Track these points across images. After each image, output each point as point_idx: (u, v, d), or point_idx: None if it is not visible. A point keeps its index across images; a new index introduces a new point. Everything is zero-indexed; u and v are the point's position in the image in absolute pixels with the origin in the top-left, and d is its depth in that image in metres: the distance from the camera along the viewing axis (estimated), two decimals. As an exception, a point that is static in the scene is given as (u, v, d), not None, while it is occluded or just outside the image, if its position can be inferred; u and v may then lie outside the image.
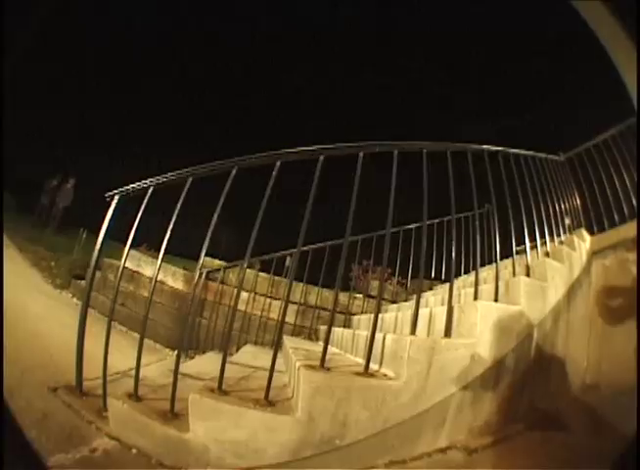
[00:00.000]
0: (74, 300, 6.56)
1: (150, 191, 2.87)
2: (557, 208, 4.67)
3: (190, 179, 2.77)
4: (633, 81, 1.52)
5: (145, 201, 2.86)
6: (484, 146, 3.63)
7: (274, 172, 2.60)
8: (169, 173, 2.85)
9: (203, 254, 2.63)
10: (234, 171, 2.68)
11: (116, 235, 3.10)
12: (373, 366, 2.35)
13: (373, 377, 2.22)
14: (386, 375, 2.28)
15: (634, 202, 4.25)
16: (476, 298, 2.92)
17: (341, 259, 2.57)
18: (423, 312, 2.96)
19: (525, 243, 3.62)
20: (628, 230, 3.91)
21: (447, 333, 2.59)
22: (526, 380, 2.83)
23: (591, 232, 4.64)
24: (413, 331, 2.55)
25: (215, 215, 2.63)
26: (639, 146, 3.29)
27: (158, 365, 3.92)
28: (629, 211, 4.29)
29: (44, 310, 5.23)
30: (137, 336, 2.67)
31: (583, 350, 3.59)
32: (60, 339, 3.62)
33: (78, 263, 7.83)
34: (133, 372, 2.54)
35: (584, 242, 4.34)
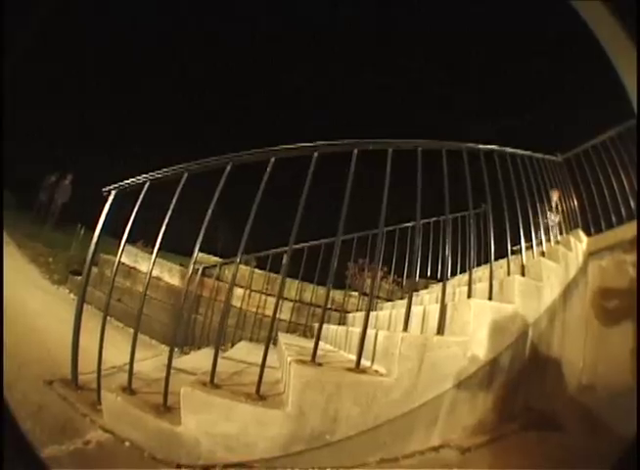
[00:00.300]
0: (71, 295, 6.58)
1: (146, 186, 2.90)
2: (553, 207, 4.68)
3: (185, 175, 2.79)
4: (633, 82, 1.52)
5: (141, 196, 2.88)
6: (480, 145, 3.64)
7: (268, 168, 2.62)
8: (165, 169, 2.87)
9: (196, 249, 2.64)
10: (228, 167, 2.70)
11: (114, 231, 3.13)
12: (365, 362, 2.37)
13: (364, 373, 2.23)
14: (377, 371, 2.30)
15: (632, 203, 4.26)
16: (469, 296, 2.92)
17: (333, 257, 2.59)
18: (417, 310, 2.99)
19: (520, 243, 3.63)
20: (626, 231, 3.92)
21: (440, 330, 2.59)
22: (521, 379, 2.85)
23: (588, 233, 4.65)
24: (405, 328, 2.56)
25: (209, 211, 2.65)
26: (639, 147, 3.29)
27: (153, 361, 3.94)
28: (627, 213, 4.30)
29: (42, 306, 5.25)
30: (133, 331, 2.68)
31: (579, 350, 3.60)
32: (57, 334, 3.63)
33: (76, 259, 7.87)
34: (128, 367, 2.56)
35: (581, 242, 4.36)
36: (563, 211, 5.12)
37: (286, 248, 2.57)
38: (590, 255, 4.21)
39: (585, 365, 3.55)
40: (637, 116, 1.55)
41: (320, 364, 2.26)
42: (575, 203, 5.07)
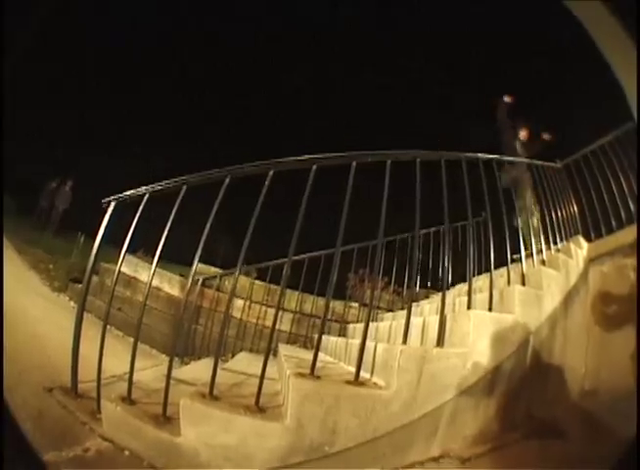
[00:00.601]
0: (72, 303, 6.56)
1: (145, 198, 2.91)
2: (554, 215, 4.68)
3: (184, 187, 2.81)
4: (632, 83, 1.51)
5: (140, 208, 2.90)
6: (479, 154, 3.65)
7: (266, 182, 2.63)
8: (165, 181, 2.89)
9: (195, 261, 2.65)
10: (227, 180, 2.71)
11: (115, 240, 3.13)
12: (364, 375, 2.37)
13: (363, 386, 2.23)
14: (376, 384, 2.30)
15: (631, 206, 4.25)
16: (469, 307, 2.92)
17: (332, 268, 2.60)
18: (416, 322, 2.99)
19: (520, 251, 3.64)
20: (626, 236, 3.92)
21: (439, 342, 2.60)
22: (523, 388, 2.86)
23: (588, 239, 4.66)
24: (404, 341, 2.55)
25: (208, 225, 2.67)
26: (639, 150, 3.28)
27: (153, 370, 3.94)
28: (626, 216, 4.30)
29: (42, 313, 5.24)
30: (133, 341, 2.70)
31: (581, 356, 3.59)
32: (57, 341, 3.64)
33: (76, 267, 7.81)
34: (127, 376, 2.57)
35: (581, 249, 4.37)
36: (562, 213, 5.10)
37: (286, 259, 2.57)
38: (591, 261, 4.21)
39: (587, 371, 3.54)
40: (637, 116, 1.54)
41: (319, 377, 2.25)
42: (575, 208, 5.07)
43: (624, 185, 4.41)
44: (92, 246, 3.07)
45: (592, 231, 4.72)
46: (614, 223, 4.44)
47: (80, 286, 5.00)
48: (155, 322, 6.16)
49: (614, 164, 4.58)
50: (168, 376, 2.39)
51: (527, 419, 2.84)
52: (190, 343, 5.79)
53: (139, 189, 2.95)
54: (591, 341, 3.66)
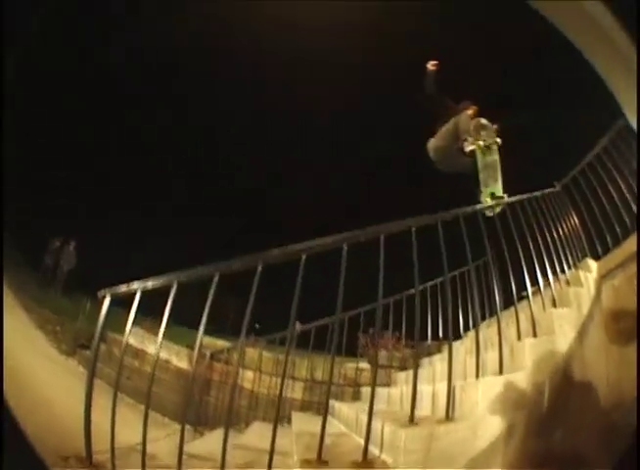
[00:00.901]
0: (80, 368, 6.59)
1: (138, 294, 2.88)
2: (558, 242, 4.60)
3: (175, 284, 2.77)
4: (631, 85, 1.58)
5: (135, 303, 2.89)
6: (478, 206, 3.70)
7: (256, 278, 2.65)
8: (155, 278, 2.89)
9: (197, 346, 2.73)
10: (216, 278, 2.69)
11: (122, 303, 3.15)
12: (373, 450, 2.37)
13: (370, 467, 2.23)
14: (384, 462, 2.29)
15: (633, 207, 4.07)
16: (477, 375, 2.91)
17: (333, 344, 2.63)
18: (426, 390, 3.00)
19: (527, 291, 3.64)
20: (633, 243, 3.66)
21: (448, 415, 2.56)
22: (541, 429, 2.76)
23: (597, 257, 4.43)
24: (411, 418, 2.53)
25: (201, 327, 2.71)
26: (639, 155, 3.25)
27: (166, 441, 3.88)
28: (631, 222, 4.07)
29: (50, 376, 5.26)
30: (143, 414, 2.72)
31: (602, 375, 3.28)
32: (66, 405, 3.65)
33: (83, 334, 7.72)
34: (141, 447, 2.59)
35: (591, 272, 4.22)
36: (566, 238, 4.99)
37: (283, 332, 2.62)
38: (602, 277, 3.99)
39: (610, 386, 3.37)
40: (638, 116, 1.60)
41: (326, 462, 2.24)
42: (579, 227, 4.91)
43: (623, 187, 4.25)
44: (98, 309, 3.07)
45: (599, 246, 4.51)
46: (619, 232, 4.20)
47: (88, 352, 5.02)
48: (165, 391, 6.18)
49: (609, 168, 4.46)
50: (180, 457, 2.44)
51: (548, 457, 2.76)
52: (202, 413, 5.77)
53: (131, 285, 2.92)
54: (610, 359, 3.46)
